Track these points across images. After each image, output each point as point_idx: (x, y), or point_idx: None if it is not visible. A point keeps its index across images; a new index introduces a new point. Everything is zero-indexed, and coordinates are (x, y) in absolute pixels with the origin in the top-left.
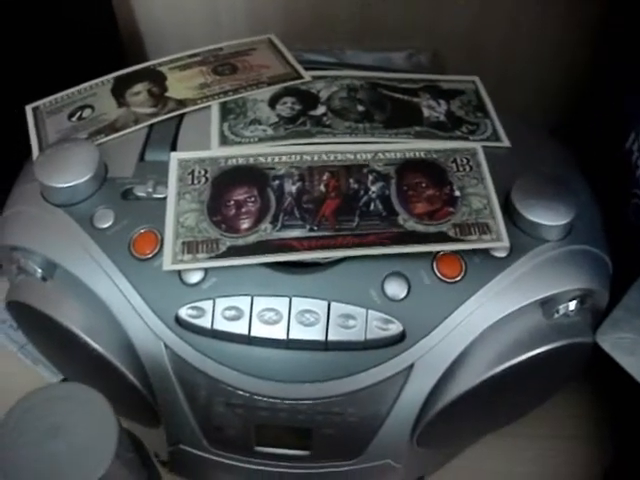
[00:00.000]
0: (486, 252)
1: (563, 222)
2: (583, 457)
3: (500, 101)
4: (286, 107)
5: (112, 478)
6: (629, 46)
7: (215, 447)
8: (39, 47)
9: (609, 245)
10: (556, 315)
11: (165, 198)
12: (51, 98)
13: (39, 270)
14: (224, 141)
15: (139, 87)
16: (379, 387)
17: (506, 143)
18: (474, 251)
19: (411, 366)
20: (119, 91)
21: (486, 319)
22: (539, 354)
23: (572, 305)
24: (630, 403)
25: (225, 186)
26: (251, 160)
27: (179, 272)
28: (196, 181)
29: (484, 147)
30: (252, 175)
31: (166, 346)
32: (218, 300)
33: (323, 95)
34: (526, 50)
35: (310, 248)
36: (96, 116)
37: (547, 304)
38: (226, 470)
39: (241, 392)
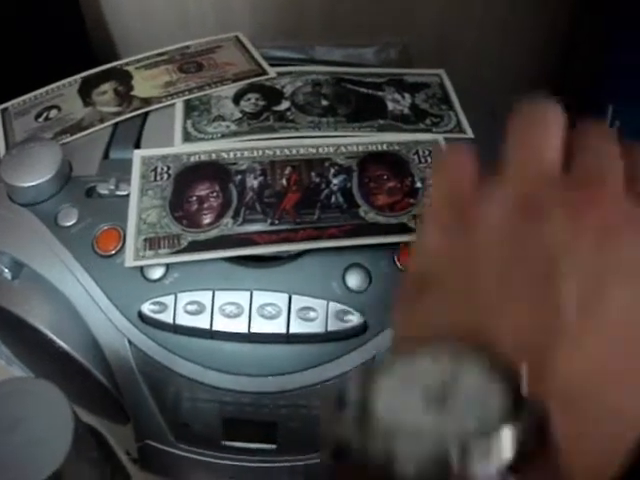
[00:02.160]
0: None
1: None
2: None
3: (470, 94)
4: (250, 103)
5: (69, 471)
6: (594, 37)
7: (182, 442)
8: (9, 49)
9: None
10: None
11: (128, 195)
12: (19, 99)
13: (6, 270)
14: (187, 138)
15: (105, 87)
16: (342, 379)
17: (469, 134)
18: None
19: (373, 358)
20: (86, 91)
21: None
22: None
23: None
24: None
25: (187, 182)
26: (213, 156)
27: (141, 268)
28: (159, 178)
29: (447, 139)
30: (214, 171)
31: (130, 342)
32: (180, 295)
33: (287, 90)
34: (498, 41)
35: (271, 242)
36: (62, 116)
37: None
38: (194, 465)
39: (205, 386)
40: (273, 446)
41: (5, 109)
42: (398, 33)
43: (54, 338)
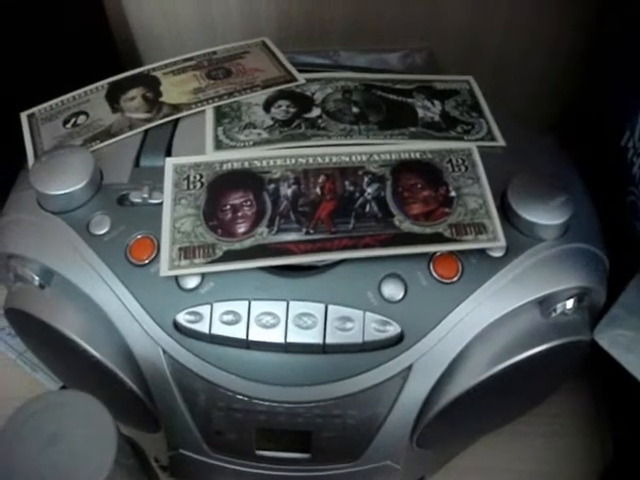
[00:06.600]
0: (482, 252)
1: (559, 221)
2: (582, 454)
3: (497, 100)
4: (281, 110)
5: None
6: (625, 44)
7: (215, 451)
8: (34, 54)
9: (606, 243)
10: (554, 314)
11: (161, 204)
12: (46, 105)
13: (36, 278)
14: (219, 145)
15: (133, 92)
16: (378, 389)
17: (501, 142)
18: (471, 251)
19: (409, 367)
20: (113, 97)
21: (484, 319)
22: (537, 353)
23: (570, 303)
24: (628, 400)
25: (221, 191)
26: (246, 164)
27: (176, 278)
28: (192, 186)
29: (479, 147)
30: (247, 179)
31: (164, 352)
32: (216, 305)
33: (318, 97)
34: (523, 49)
35: (306, 251)
36: (91, 122)
37: (544, 303)
38: (227, 474)
39: (240, 396)
40: (307, 455)
41: (32, 115)
42: (423, 38)
43: (87, 347)
